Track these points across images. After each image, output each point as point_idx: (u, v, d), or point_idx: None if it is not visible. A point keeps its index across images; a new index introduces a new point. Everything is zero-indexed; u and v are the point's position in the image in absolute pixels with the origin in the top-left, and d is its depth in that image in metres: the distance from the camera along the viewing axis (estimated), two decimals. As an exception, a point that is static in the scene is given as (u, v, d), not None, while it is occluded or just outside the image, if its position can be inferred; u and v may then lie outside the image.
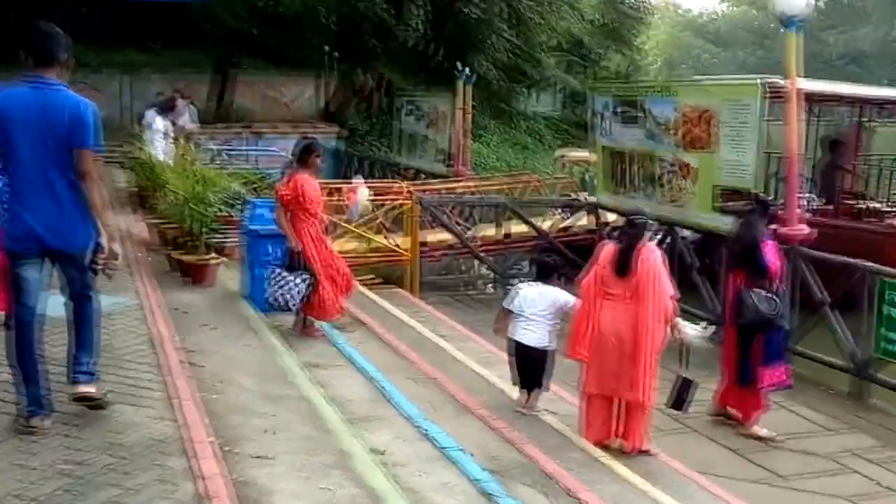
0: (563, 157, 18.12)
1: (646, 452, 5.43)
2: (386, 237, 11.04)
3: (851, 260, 7.29)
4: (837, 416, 6.83)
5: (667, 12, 66.31)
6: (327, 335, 7.12)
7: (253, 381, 5.58)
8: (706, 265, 9.59)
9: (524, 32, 26.84)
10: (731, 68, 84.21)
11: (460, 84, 15.52)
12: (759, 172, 8.31)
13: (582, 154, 16.46)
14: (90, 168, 4.01)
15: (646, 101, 9.94)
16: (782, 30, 7.86)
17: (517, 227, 12.38)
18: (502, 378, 6.77)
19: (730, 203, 8.61)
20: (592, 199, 13.23)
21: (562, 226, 12.26)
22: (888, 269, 7.01)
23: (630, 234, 5.50)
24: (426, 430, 4.95)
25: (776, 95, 8.35)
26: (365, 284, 10.53)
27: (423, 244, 11.28)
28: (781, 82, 8.15)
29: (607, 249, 5.53)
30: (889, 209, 11.42)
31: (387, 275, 10.89)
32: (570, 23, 29.97)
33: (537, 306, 5.63)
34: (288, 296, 6.57)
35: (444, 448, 4.69)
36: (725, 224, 8.76)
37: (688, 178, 9.35)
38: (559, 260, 6.19)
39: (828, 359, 7.58)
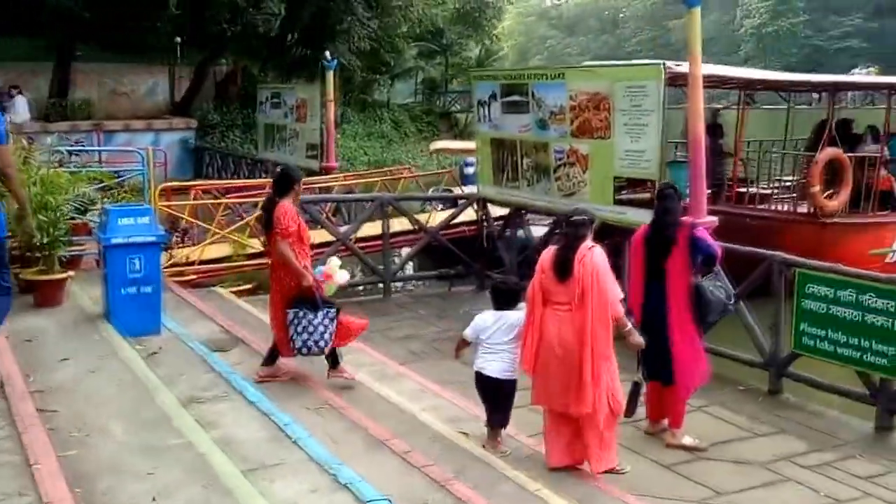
0: (438, 148, 17.55)
1: (613, 471, 5.06)
2: (259, 240, 10.10)
3: (766, 251, 7.00)
4: (758, 417, 6.53)
5: (514, -1, 66.96)
6: (207, 360, 6.21)
7: (125, 428, 4.69)
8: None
9: (385, 20, 26.20)
10: (582, 56, 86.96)
11: (329, 73, 14.58)
12: (662, 161, 7.93)
13: (458, 144, 15.96)
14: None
15: (535, 88, 9.44)
16: (686, 7, 7.45)
17: (398, 224, 11.68)
18: (401, 394, 6.22)
19: (636, 191, 8.23)
20: (473, 190, 12.80)
21: (444, 220, 11.63)
22: (806, 260, 6.76)
23: (569, 235, 5.06)
24: (343, 479, 4.18)
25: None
26: (237, 293, 9.68)
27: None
28: (680, 65, 7.82)
29: (547, 253, 5.09)
30: (774, 193, 11.52)
31: (262, 281, 9.97)
32: (430, 10, 29.51)
33: (501, 336, 5.26)
34: (320, 340, 5.86)
35: (368, 502, 3.94)
36: (623, 215, 8.45)
37: (583, 167, 8.92)
38: (519, 283, 5.72)
39: (743, 356, 7.27)
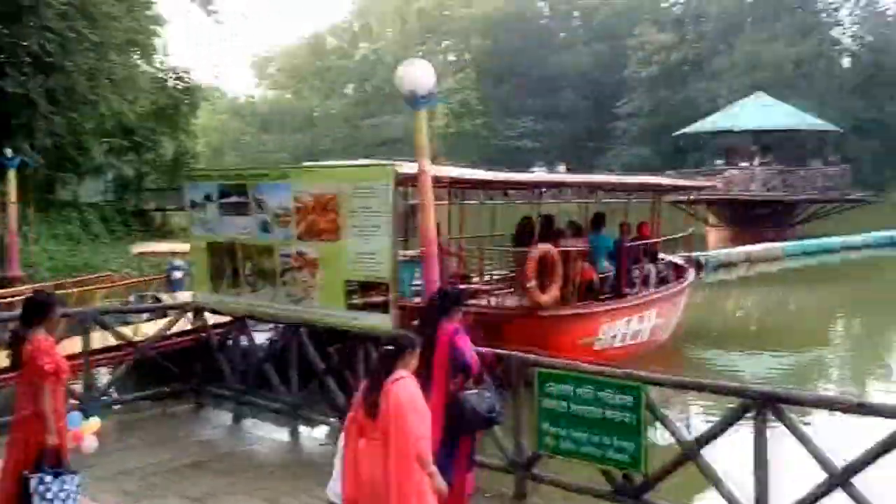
0: (141, 251, 16.12)
1: None
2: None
3: (506, 351, 6.96)
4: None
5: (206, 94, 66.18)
6: None
7: None
8: (335, 366, 8.77)
9: (70, 115, 24.25)
10: (278, 153, 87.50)
11: (10, 173, 12.86)
12: (394, 262, 7.73)
13: (164, 246, 14.76)
14: None
15: (257, 189, 8.89)
16: (411, 108, 7.44)
17: (99, 339, 10.31)
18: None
19: (369, 295, 7.90)
20: (184, 296, 11.83)
21: (156, 332, 10.49)
22: (545, 358, 6.79)
23: (376, 369, 4.79)
24: None
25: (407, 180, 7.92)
26: None
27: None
28: (410, 166, 7.76)
29: (363, 383, 4.80)
30: (492, 288, 11.87)
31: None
32: (120, 106, 27.84)
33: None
34: None
35: None
36: (356, 320, 8.11)
37: (312, 271, 8.46)
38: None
39: (488, 461, 7.04)
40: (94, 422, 5.31)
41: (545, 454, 6.76)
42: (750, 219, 33.40)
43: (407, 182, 8.28)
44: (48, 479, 4.67)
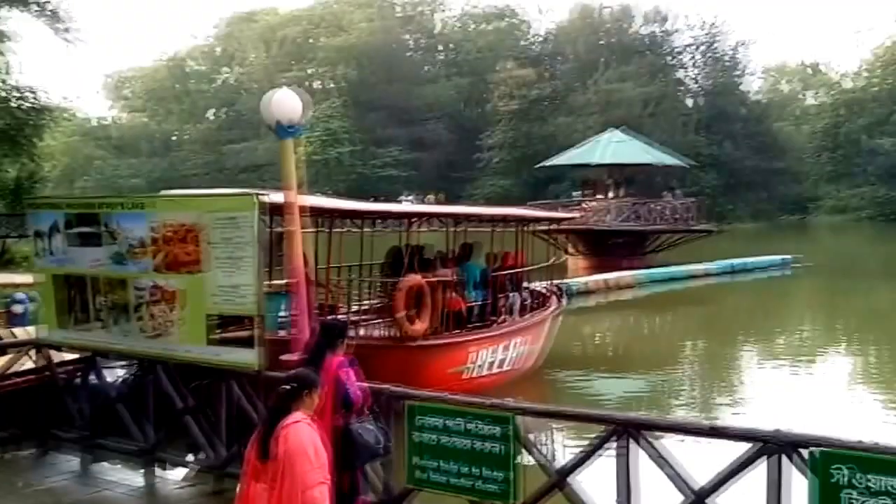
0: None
1: None
2: None
3: (378, 384, 6.82)
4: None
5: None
6: None
7: None
8: (195, 405, 8.35)
9: None
10: (135, 179, 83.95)
11: None
12: (261, 296, 7.46)
13: (4, 278, 13.74)
14: None
15: (110, 218, 8.40)
16: (277, 137, 7.26)
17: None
18: None
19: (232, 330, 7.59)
20: (28, 332, 11.04)
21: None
22: (416, 391, 6.71)
23: (272, 408, 4.58)
24: None
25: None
26: None
27: None
28: (276, 196, 7.55)
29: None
30: (361, 319, 11.70)
31: None
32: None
33: None
34: None
35: None
36: (218, 356, 7.78)
37: (171, 305, 8.06)
38: None
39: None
40: None
41: (417, 487, 6.66)
42: (606, 248, 34.79)
43: (273, 211, 8.05)
44: None
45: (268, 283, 11.05)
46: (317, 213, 12.28)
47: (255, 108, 7.89)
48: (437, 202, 55.99)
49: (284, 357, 7.30)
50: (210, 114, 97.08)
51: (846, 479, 4.81)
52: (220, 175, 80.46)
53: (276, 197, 8.02)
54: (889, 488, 4.68)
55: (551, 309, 15.35)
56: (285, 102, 7.29)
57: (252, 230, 7.38)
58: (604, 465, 6.33)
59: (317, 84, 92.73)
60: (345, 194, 61.08)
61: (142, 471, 8.57)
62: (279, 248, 14.54)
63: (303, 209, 7.90)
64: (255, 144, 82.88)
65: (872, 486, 4.73)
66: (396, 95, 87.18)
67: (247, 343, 7.51)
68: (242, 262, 7.45)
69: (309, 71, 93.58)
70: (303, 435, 4.36)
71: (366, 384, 5.66)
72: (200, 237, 7.71)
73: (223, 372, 7.76)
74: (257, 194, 7.45)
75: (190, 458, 8.48)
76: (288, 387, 4.53)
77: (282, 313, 10.77)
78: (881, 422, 12.24)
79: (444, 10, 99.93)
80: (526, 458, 6.69)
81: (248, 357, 7.46)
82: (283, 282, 10.74)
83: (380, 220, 14.04)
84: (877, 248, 54.63)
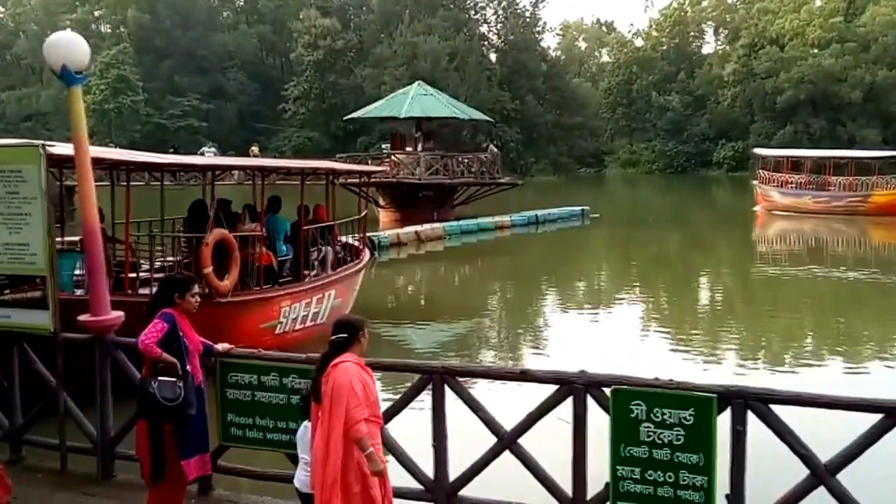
0: None
1: None
2: None
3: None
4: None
5: None
6: None
7: None
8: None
9: None
10: None
11: None
12: (50, 253, 6.88)
13: None
14: None
15: None
16: (65, 86, 6.65)
17: None
18: None
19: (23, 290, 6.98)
20: None
21: None
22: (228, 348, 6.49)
23: (323, 356, 4.92)
24: None
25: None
26: None
27: None
28: (65, 147, 6.95)
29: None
30: (160, 276, 11.08)
31: None
32: None
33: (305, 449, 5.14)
34: None
35: None
36: (9, 318, 7.16)
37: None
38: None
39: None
40: None
41: (231, 444, 6.54)
42: (416, 201, 35.19)
43: (62, 163, 7.43)
44: None
45: (60, 240, 10.29)
46: (111, 166, 11.54)
47: (37, 53, 7.15)
48: (262, 155, 54.04)
49: (83, 318, 6.83)
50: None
51: (644, 413, 5.20)
52: (-1, 125, 73.42)
53: (65, 148, 7.41)
54: (681, 420, 5.11)
55: (363, 262, 15.36)
56: (71, 45, 6.68)
57: (38, 184, 6.77)
58: (418, 414, 6.49)
59: (105, 28, 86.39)
60: (142, 146, 57.80)
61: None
62: (70, 202, 13.66)
63: (95, 161, 7.35)
64: (37, 91, 76.21)
65: (667, 419, 5.15)
66: (192, 42, 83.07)
67: (39, 304, 6.95)
68: (28, 219, 6.85)
69: (96, 13, 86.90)
70: (349, 372, 4.66)
71: (155, 335, 5.49)
72: (-24, 192, 6.98)
73: (15, 335, 7.16)
74: (43, 145, 6.82)
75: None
76: (340, 336, 4.87)
77: (77, 272, 10.07)
78: (673, 359, 13.32)
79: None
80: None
81: (40, 319, 6.91)
82: (77, 238, 10.06)
83: (181, 173, 13.34)
84: (665, 198, 59.24)
